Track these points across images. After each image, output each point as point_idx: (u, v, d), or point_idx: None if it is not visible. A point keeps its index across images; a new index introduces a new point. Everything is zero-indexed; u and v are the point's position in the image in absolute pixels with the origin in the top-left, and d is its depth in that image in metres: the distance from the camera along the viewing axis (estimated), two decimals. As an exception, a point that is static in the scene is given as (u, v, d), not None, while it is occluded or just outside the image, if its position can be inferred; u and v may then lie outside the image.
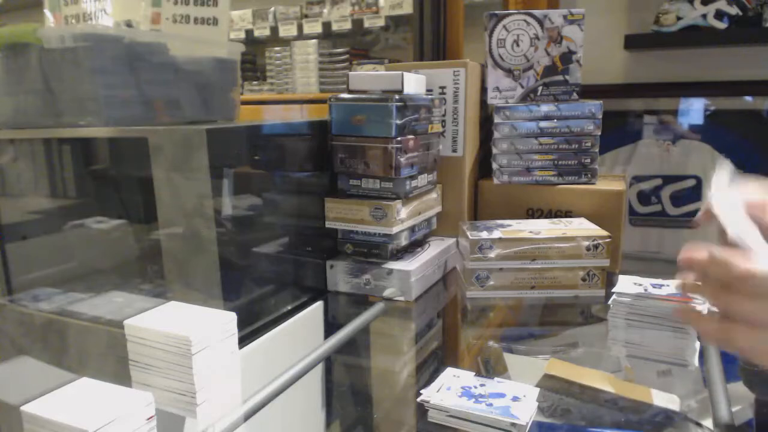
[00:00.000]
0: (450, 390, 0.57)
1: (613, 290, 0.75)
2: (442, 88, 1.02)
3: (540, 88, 1.07)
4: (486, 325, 0.86)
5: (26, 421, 0.44)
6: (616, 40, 1.71)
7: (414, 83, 0.92)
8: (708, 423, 0.57)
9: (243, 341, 0.69)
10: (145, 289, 0.79)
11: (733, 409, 0.58)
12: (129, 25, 0.93)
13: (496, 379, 0.60)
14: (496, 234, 0.88)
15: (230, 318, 0.56)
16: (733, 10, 1.51)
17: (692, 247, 0.48)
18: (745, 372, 0.66)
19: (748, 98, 1.70)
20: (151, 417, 0.46)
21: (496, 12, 1.06)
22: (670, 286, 0.75)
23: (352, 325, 0.80)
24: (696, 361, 0.68)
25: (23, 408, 0.44)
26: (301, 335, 0.81)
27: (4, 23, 0.92)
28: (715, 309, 0.45)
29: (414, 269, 0.87)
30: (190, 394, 0.53)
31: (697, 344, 0.70)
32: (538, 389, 0.58)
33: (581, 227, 0.91)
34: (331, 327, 0.82)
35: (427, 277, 0.93)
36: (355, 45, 2.78)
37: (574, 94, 1.06)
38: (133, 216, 0.81)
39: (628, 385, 0.66)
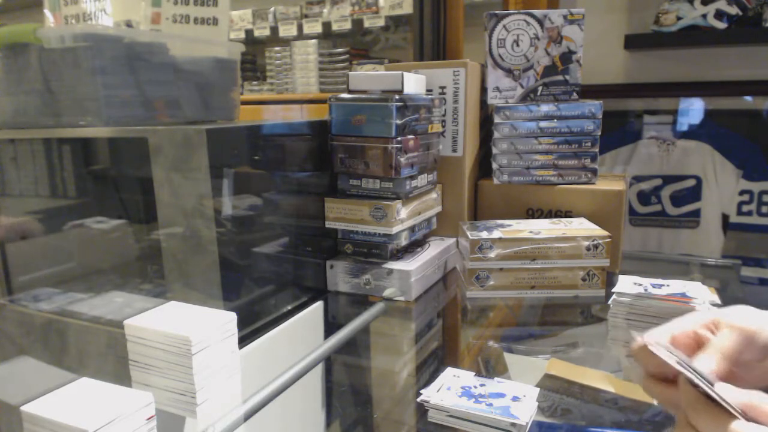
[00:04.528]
0: (450, 390, 0.57)
1: (613, 290, 0.75)
2: (442, 88, 1.02)
3: (540, 88, 1.07)
4: (486, 325, 0.86)
5: (26, 421, 0.44)
6: (616, 40, 1.71)
7: (414, 83, 0.92)
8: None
9: (243, 341, 0.69)
10: (145, 289, 0.79)
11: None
12: (129, 25, 0.93)
13: (496, 379, 0.60)
14: (496, 234, 0.88)
15: (230, 318, 0.56)
16: (733, 10, 1.51)
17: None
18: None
19: (748, 98, 1.70)
20: (151, 417, 0.46)
21: (496, 12, 1.06)
22: (670, 286, 0.75)
23: (352, 325, 0.80)
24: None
25: (23, 408, 0.44)
26: (301, 335, 0.81)
27: (4, 23, 0.92)
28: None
29: (414, 269, 0.87)
30: (190, 394, 0.53)
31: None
32: (538, 389, 0.58)
33: (581, 227, 0.91)
34: (331, 327, 0.82)
35: (427, 277, 0.93)
36: (355, 45, 2.78)
37: (574, 94, 1.06)
38: (133, 216, 0.81)
39: (628, 385, 0.66)
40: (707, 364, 0.40)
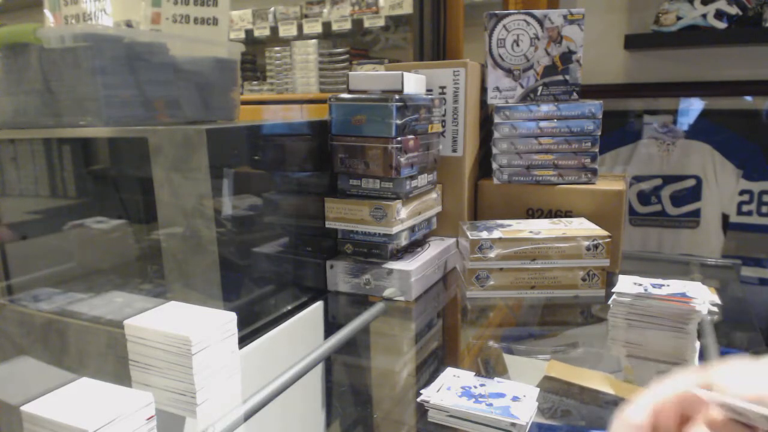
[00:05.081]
0: (450, 390, 0.57)
1: (613, 290, 0.75)
2: (442, 88, 1.02)
3: (540, 88, 1.07)
4: (486, 325, 0.86)
5: (26, 421, 0.44)
6: (616, 40, 1.71)
7: (414, 83, 0.92)
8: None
9: (243, 341, 0.69)
10: (145, 289, 0.79)
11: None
12: (129, 25, 0.93)
13: (496, 379, 0.60)
14: (496, 234, 0.88)
15: (230, 318, 0.56)
16: (733, 10, 1.51)
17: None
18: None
19: (748, 98, 1.70)
20: (151, 417, 0.46)
21: (496, 12, 1.06)
22: (670, 286, 0.75)
23: (352, 325, 0.80)
24: (696, 361, 0.68)
25: (23, 408, 0.44)
26: (301, 335, 0.81)
27: (4, 23, 0.92)
28: None
29: (414, 269, 0.87)
30: (190, 394, 0.53)
31: (697, 344, 0.70)
32: (538, 389, 0.58)
33: (581, 227, 0.91)
34: (331, 327, 0.82)
35: (427, 277, 0.93)
36: (355, 45, 2.78)
37: (574, 94, 1.06)
38: (133, 216, 0.81)
39: (628, 386, 0.66)
40: None
